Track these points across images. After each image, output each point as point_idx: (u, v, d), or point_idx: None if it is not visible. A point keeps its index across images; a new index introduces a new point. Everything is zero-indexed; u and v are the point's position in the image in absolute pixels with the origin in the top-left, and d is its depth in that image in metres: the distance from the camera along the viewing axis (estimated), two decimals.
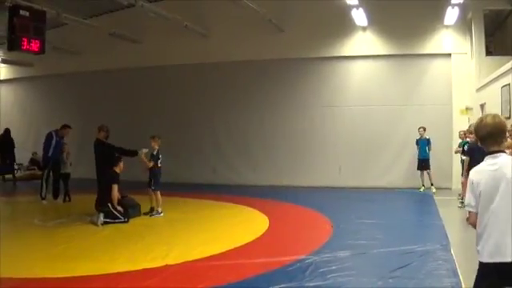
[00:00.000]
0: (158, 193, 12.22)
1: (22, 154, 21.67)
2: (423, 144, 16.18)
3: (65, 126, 14.87)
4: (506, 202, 3.68)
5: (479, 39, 16.17)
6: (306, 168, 18.30)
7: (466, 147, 12.67)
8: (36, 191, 14.68)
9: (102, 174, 11.90)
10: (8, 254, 7.93)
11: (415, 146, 16.47)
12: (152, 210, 12.24)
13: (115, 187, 11.45)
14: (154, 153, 12.27)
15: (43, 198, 14.35)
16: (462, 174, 13.69)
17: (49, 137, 14.57)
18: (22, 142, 21.62)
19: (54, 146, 14.48)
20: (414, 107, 17.62)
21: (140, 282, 6.73)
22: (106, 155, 12.11)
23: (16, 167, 22.27)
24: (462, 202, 12.09)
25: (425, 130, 16.23)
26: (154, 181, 12.26)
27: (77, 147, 18.60)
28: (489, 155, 3.87)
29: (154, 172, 12.29)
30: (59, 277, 6.85)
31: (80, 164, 17.97)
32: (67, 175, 14.98)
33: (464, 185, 13.55)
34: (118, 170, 11.68)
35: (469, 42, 17.14)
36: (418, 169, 16.33)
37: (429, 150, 16.18)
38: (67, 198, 14.74)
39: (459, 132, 14.85)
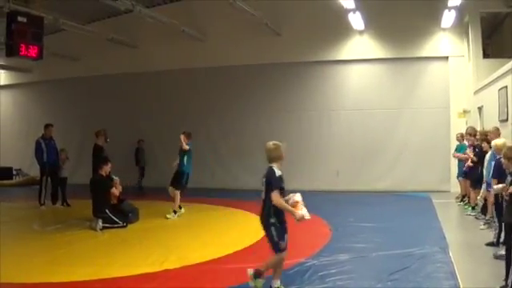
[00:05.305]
0: None
1: (22, 160, 21.70)
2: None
3: (47, 126, 14.81)
4: None
5: (476, 42, 16.21)
6: (304, 172, 18.26)
7: (468, 150, 12.62)
8: (35, 197, 14.67)
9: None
10: (7, 259, 7.94)
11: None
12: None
13: (113, 190, 11.54)
14: None
15: (42, 204, 14.35)
16: (461, 176, 13.63)
17: (37, 144, 14.53)
18: (21, 147, 21.63)
19: (45, 150, 14.45)
20: (412, 110, 17.67)
21: (139, 286, 6.75)
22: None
23: (14, 172, 22.33)
24: (473, 208, 12.06)
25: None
26: None
27: (76, 152, 18.66)
28: None
29: None
30: (58, 281, 6.85)
31: (79, 169, 18.01)
32: (64, 180, 15.00)
33: (464, 186, 13.56)
34: (103, 172, 11.66)
35: (466, 44, 17.18)
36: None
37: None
38: (65, 203, 14.76)
39: (456, 135, 14.82)
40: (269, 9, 17.11)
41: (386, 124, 17.90)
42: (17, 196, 17.98)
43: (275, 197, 6.04)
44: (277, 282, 6.32)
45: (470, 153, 12.33)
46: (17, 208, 14.99)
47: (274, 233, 6.19)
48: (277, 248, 6.23)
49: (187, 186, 13.03)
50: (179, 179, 12.60)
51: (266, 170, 6.27)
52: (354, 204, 14.76)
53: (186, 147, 12.46)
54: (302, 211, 6.21)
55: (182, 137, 12.52)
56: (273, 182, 6.11)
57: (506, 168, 6.80)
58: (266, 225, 6.26)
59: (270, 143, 6.36)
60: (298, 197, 6.36)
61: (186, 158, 12.56)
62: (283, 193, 6.23)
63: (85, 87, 21.68)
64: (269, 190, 6.11)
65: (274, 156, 6.30)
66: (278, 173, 6.17)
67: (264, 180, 6.23)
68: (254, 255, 8.48)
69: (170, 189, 12.62)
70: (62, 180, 14.96)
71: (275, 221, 6.18)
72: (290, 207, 6.17)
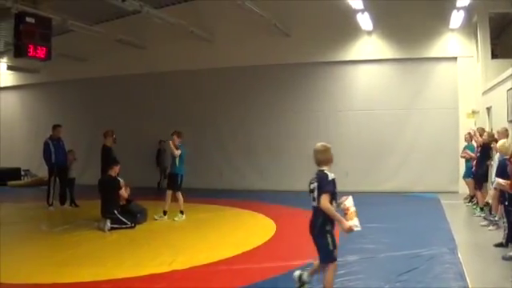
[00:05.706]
0: None
1: (30, 161, 21.78)
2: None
3: (55, 127, 14.84)
4: None
5: (485, 42, 16.13)
6: (312, 172, 18.20)
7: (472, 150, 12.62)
8: (43, 197, 14.71)
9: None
10: (16, 260, 7.98)
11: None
12: None
13: (121, 191, 11.58)
14: None
15: (50, 205, 14.38)
16: (469, 177, 13.52)
17: (45, 145, 14.55)
18: (29, 148, 21.70)
19: (53, 151, 14.48)
20: (420, 111, 17.59)
21: (147, 287, 6.76)
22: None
23: (23, 173, 22.42)
24: (482, 209, 11.97)
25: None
26: None
27: (84, 153, 18.68)
28: None
29: None
30: (66, 282, 6.86)
31: (87, 170, 18.08)
32: (72, 180, 15.04)
33: (472, 187, 13.48)
34: (113, 173, 11.67)
35: (474, 45, 17.08)
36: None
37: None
38: (73, 204, 14.80)
39: (465, 135, 14.72)
40: (277, 9, 17.11)
41: (394, 125, 17.84)
42: (25, 196, 18.03)
43: (324, 201, 5.49)
44: (309, 276, 5.97)
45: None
46: (25, 208, 15.05)
47: (329, 241, 5.60)
48: (331, 257, 5.63)
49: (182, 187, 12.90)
50: (175, 181, 12.55)
51: (316, 173, 5.76)
52: (362, 204, 14.46)
53: (177, 153, 12.29)
54: (353, 221, 5.60)
55: (171, 142, 12.32)
56: (322, 186, 5.59)
57: None
58: (320, 232, 5.63)
59: (319, 145, 5.88)
60: (348, 201, 5.79)
61: (177, 160, 12.42)
62: (335, 197, 5.71)
63: (93, 88, 21.74)
64: (320, 195, 5.57)
65: (322, 159, 5.81)
66: (330, 176, 5.64)
67: (315, 185, 5.68)
68: (263, 256, 8.50)
69: (169, 193, 12.56)
70: (71, 181, 15.00)
71: (330, 228, 5.62)
72: (338, 215, 5.58)
